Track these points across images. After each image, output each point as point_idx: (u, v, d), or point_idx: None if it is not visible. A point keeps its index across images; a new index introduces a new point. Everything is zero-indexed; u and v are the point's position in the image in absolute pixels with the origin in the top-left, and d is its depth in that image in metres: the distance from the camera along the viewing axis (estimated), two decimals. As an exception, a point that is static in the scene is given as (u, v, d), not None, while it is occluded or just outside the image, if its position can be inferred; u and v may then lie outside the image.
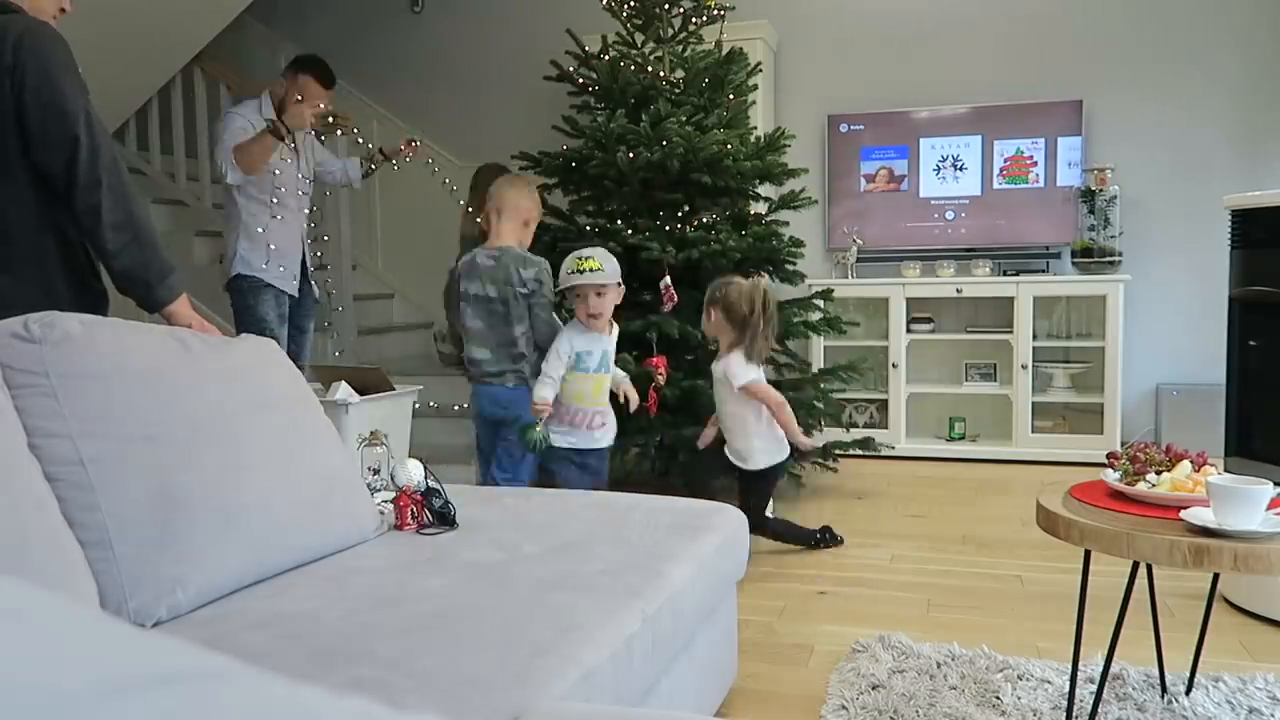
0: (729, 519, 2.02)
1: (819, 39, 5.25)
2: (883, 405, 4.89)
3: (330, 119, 3.63)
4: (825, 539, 3.26)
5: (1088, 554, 1.83)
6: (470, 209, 4.27)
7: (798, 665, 2.31)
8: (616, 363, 3.62)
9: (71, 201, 1.84)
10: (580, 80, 4.16)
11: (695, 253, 3.73)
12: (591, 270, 2.84)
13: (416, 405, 3.39)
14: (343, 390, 2.96)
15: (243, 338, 1.81)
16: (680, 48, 4.16)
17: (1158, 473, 1.80)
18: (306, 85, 3.54)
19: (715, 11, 4.11)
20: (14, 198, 1.84)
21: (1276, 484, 1.67)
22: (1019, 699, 2.05)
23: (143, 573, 1.39)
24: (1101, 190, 4.66)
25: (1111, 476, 1.86)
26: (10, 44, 1.80)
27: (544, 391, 2.83)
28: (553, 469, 2.93)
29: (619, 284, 2.91)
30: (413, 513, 1.88)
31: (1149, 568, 2.08)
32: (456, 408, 4.37)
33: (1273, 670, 2.20)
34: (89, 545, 1.36)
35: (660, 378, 3.45)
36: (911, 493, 4.09)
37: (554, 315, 3.02)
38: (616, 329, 3.02)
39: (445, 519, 1.89)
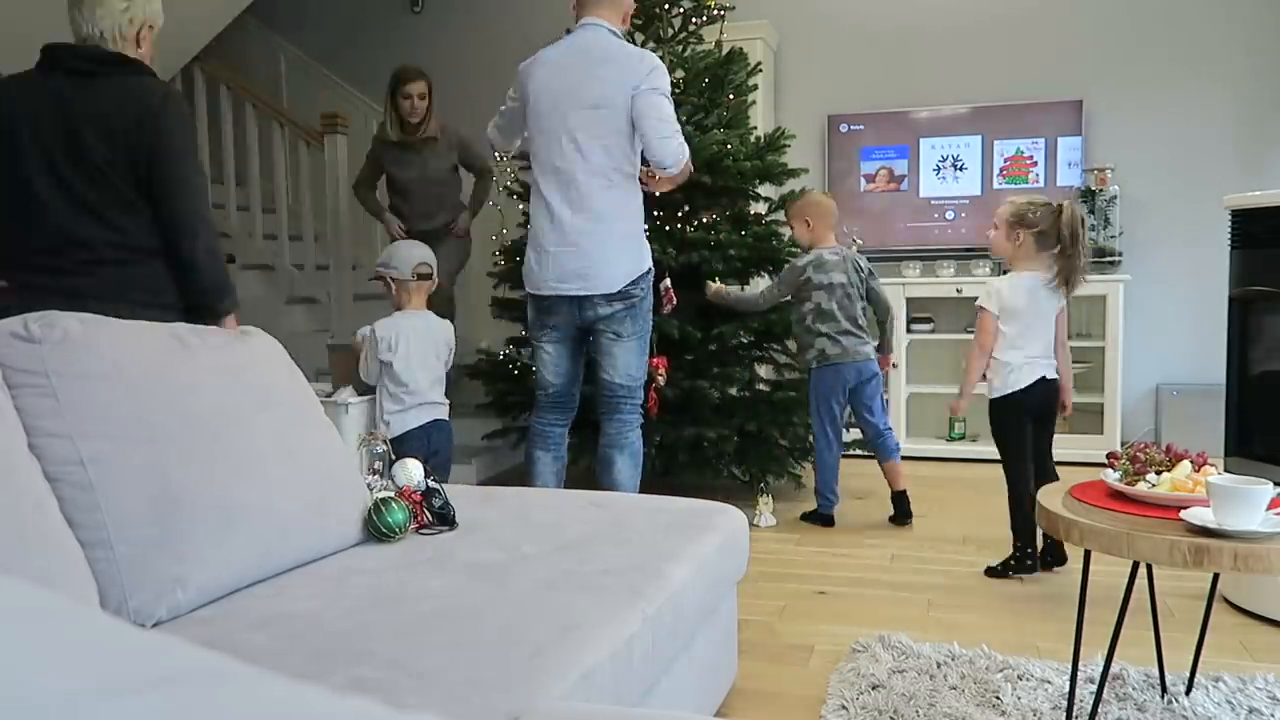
0: (730, 519, 2.02)
1: (819, 39, 5.25)
2: (883, 405, 4.88)
3: None
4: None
5: (1088, 554, 1.83)
6: None
7: (798, 665, 2.31)
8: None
9: (178, 234, 2.17)
10: (580, 80, 4.16)
11: (696, 255, 3.74)
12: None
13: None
14: (343, 390, 2.97)
15: (246, 335, 1.80)
16: (680, 48, 4.15)
17: (1158, 473, 1.80)
18: None
19: (715, 11, 4.11)
20: (141, 228, 2.16)
21: (1276, 484, 1.67)
22: (1019, 699, 2.05)
23: (143, 573, 1.39)
24: (1101, 190, 4.66)
25: (1111, 476, 1.86)
26: (155, 104, 2.13)
27: None
28: None
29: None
30: (413, 513, 1.88)
31: (1149, 568, 2.08)
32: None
33: (1273, 670, 2.20)
34: (89, 545, 1.36)
35: (661, 378, 3.46)
36: (912, 493, 4.08)
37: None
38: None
39: (445, 519, 1.89)
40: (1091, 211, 4.68)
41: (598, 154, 2.78)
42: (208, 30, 4.69)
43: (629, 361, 2.89)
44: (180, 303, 2.24)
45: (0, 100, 2.14)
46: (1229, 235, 2.79)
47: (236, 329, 2.02)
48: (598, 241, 2.79)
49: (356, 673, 1.19)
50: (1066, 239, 2.81)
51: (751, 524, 3.51)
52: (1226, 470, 2.36)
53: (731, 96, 4.09)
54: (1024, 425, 2.94)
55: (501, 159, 3.85)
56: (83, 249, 2.12)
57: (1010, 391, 2.89)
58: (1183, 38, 4.77)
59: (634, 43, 4.18)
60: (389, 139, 4.32)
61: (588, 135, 2.78)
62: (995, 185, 4.87)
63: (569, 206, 2.80)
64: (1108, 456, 1.98)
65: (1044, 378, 2.91)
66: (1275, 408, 2.64)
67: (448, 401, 3.08)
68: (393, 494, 1.86)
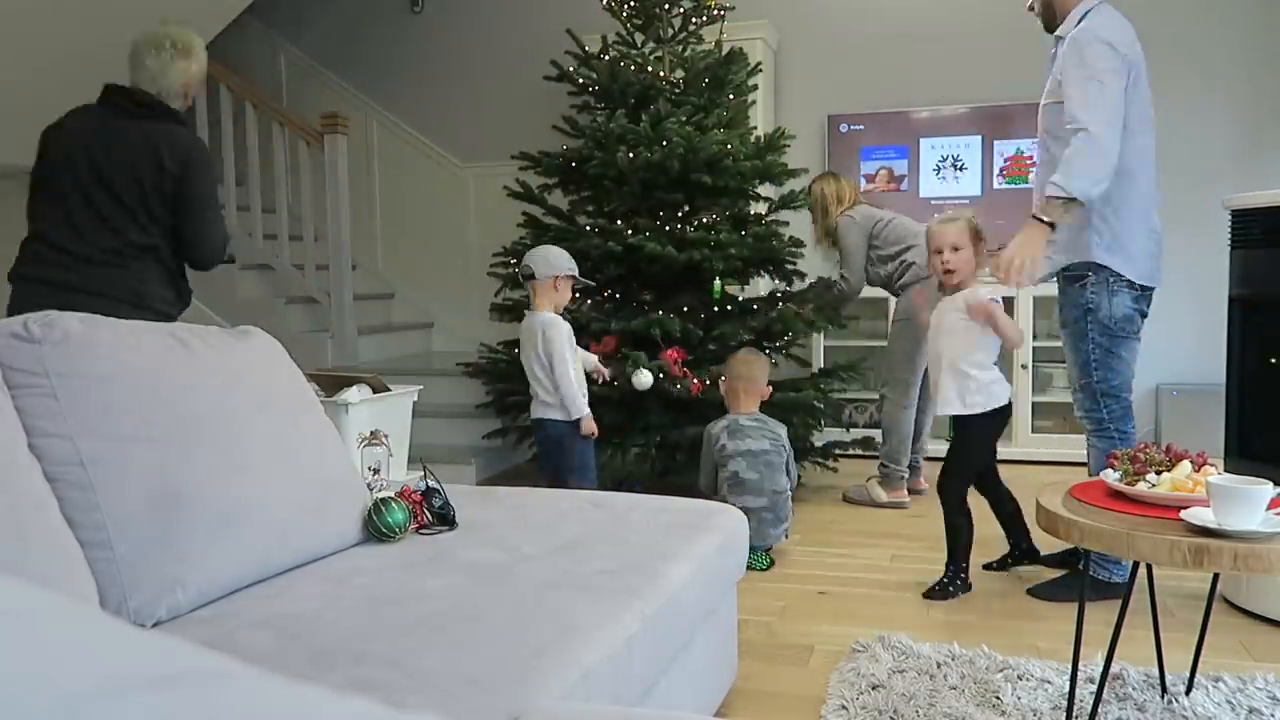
0: (729, 519, 2.02)
1: (819, 39, 5.25)
2: (883, 405, 4.88)
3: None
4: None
5: (1087, 554, 1.83)
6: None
7: (798, 665, 2.31)
8: (629, 361, 3.62)
9: (188, 247, 2.63)
10: (580, 80, 4.16)
11: (696, 255, 3.74)
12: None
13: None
14: (349, 390, 2.96)
15: (246, 334, 1.80)
16: (680, 48, 4.16)
17: (1158, 473, 1.80)
18: None
19: (715, 11, 4.11)
20: (139, 236, 2.55)
21: (1276, 484, 1.67)
22: (1019, 699, 2.05)
23: (143, 573, 1.39)
24: (1101, 190, 4.66)
25: (1111, 476, 1.86)
26: (180, 154, 2.53)
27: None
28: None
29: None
30: (413, 512, 1.88)
31: (1149, 568, 2.08)
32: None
33: (1273, 670, 2.20)
34: (89, 545, 1.36)
35: (675, 369, 3.49)
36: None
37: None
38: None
39: (445, 519, 1.89)
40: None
41: None
42: (207, 31, 4.69)
43: None
44: (164, 305, 2.61)
45: (60, 128, 2.58)
46: (1229, 235, 2.79)
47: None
48: None
49: (356, 673, 1.19)
50: None
51: (751, 524, 3.50)
52: (1226, 470, 2.36)
53: (731, 96, 4.09)
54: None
55: None
56: (91, 251, 2.52)
57: (1001, 405, 2.82)
58: (1182, 37, 4.76)
59: (634, 43, 4.19)
60: None
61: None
62: (995, 185, 4.87)
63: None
64: (1108, 456, 1.98)
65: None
66: (1275, 408, 2.64)
67: (554, 400, 3.09)
68: (393, 494, 1.86)
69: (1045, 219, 2.61)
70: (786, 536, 3.23)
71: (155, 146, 2.51)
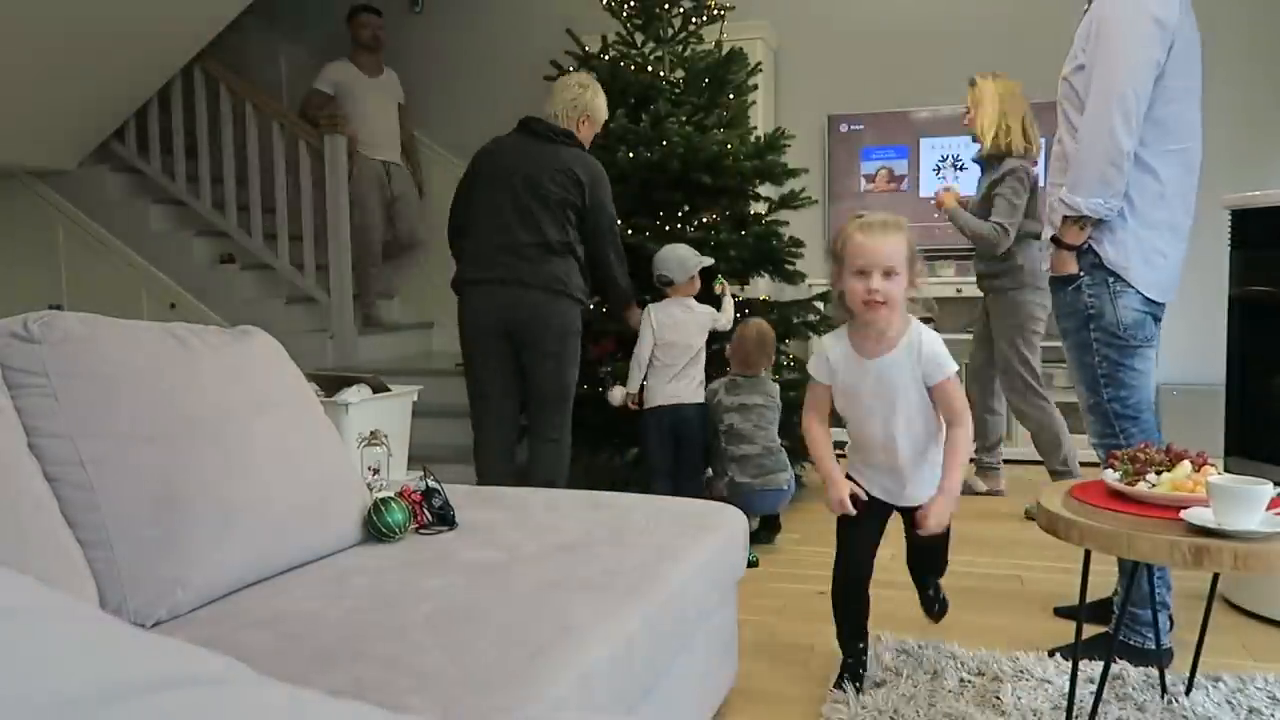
0: (729, 519, 2.02)
1: (819, 39, 5.25)
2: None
3: None
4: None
5: (1088, 554, 1.82)
6: None
7: (798, 665, 2.31)
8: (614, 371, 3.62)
9: (595, 266, 3.28)
10: (580, 80, 4.15)
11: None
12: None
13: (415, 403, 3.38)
14: (349, 390, 2.96)
15: (246, 334, 1.80)
16: (680, 48, 4.15)
17: (1158, 473, 1.80)
18: None
19: (715, 11, 4.11)
20: (559, 235, 3.13)
21: (1276, 484, 1.67)
22: (1019, 699, 2.05)
23: (143, 573, 1.39)
24: (1101, 190, 4.66)
25: (1111, 476, 1.86)
26: (593, 177, 3.19)
27: None
28: None
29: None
30: (413, 512, 1.88)
31: (1148, 568, 2.08)
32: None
33: (1273, 670, 2.20)
34: (89, 545, 1.36)
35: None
36: (911, 493, 4.08)
37: None
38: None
39: (445, 519, 1.89)
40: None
41: None
42: (208, 30, 4.69)
43: None
44: (580, 294, 3.19)
45: (493, 151, 3.24)
46: (1228, 235, 2.79)
47: (636, 315, 3.45)
48: None
49: (356, 673, 1.19)
50: None
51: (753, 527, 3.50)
52: (1226, 470, 2.36)
53: (731, 96, 4.09)
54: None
55: None
56: (522, 248, 3.10)
57: None
58: (1183, 37, 4.76)
59: (634, 42, 4.18)
60: None
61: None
62: (995, 185, 4.86)
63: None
64: (1107, 456, 1.98)
65: None
66: (1275, 408, 2.64)
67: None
68: (393, 494, 1.86)
69: None
70: (787, 487, 3.34)
71: (570, 164, 3.14)
